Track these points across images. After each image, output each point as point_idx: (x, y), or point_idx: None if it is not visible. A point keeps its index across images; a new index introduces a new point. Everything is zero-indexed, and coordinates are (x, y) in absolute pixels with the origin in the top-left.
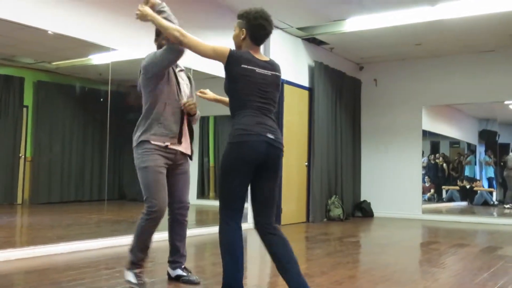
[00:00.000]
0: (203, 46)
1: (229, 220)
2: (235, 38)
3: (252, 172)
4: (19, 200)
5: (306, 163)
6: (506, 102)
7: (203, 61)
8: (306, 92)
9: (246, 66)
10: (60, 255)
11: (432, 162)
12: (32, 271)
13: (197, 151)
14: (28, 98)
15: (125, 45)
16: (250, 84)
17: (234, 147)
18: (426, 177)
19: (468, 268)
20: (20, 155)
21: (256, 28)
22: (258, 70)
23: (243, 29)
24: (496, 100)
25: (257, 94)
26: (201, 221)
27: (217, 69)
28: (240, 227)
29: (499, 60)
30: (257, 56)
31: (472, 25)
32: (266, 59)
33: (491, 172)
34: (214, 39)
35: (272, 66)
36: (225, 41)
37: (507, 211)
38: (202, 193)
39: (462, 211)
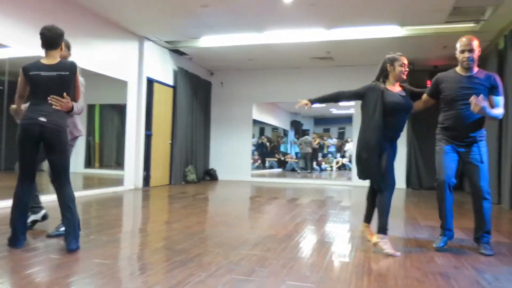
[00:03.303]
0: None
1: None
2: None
3: (34, 148)
4: None
5: (170, 141)
6: None
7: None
8: (171, 90)
9: (32, 73)
10: None
11: (260, 141)
12: None
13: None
14: None
15: (20, 43)
16: (35, 84)
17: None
18: (256, 152)
19: (278, 213)
20: None
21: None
22: (43, 73)
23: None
24: None
25: (41, 90)
26: (88, 185)
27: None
28: None
29: (303, 73)
30: (47, 61)
31: (287, 49)
32: (54, 62)
33: (297, 149)
34: (84, 42)
35: (58, 67)
36: (93, 43)
37: (308, 175)
38: (88, 163)
39: (278, 175)
